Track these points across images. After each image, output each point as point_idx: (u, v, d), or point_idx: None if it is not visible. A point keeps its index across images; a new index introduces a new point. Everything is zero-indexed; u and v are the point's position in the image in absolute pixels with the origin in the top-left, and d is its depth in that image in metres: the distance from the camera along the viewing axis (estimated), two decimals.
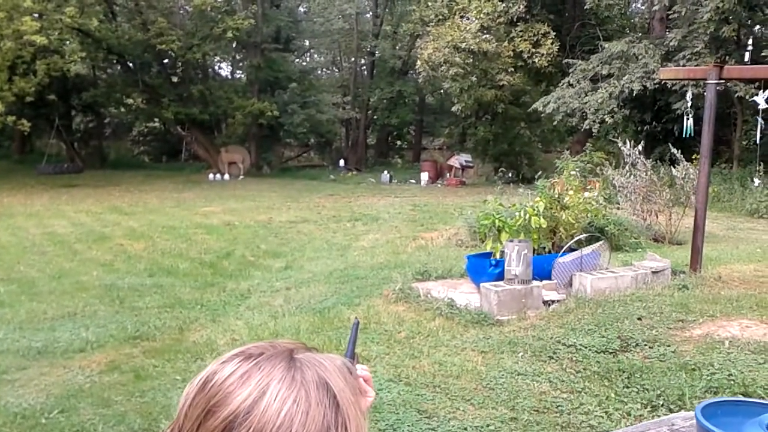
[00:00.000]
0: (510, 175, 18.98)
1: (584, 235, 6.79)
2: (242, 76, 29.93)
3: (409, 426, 3.90)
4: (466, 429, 3.84)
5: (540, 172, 9.53)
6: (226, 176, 22.14)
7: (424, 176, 21.51)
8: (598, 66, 17.96)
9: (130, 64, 24.90)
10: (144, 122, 28.90)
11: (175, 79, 26.17)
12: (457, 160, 21.92)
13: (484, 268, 6.30)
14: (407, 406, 4.18)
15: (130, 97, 23.24)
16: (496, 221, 6.59)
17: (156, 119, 27.71)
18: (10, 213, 13.56)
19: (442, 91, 25.86)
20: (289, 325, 5.97)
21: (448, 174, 21.83)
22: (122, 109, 26.74)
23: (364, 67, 30.09)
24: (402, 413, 4.08)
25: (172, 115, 23.68)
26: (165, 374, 4.86)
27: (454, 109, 21.13)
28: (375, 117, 29.26)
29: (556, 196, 7.11)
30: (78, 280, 7.95)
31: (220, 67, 33.20)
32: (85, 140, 28.36)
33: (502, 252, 6.21)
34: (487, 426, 3.87)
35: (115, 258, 9.29)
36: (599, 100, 17.13)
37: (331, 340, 5.48)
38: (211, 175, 22.13)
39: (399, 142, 32.67)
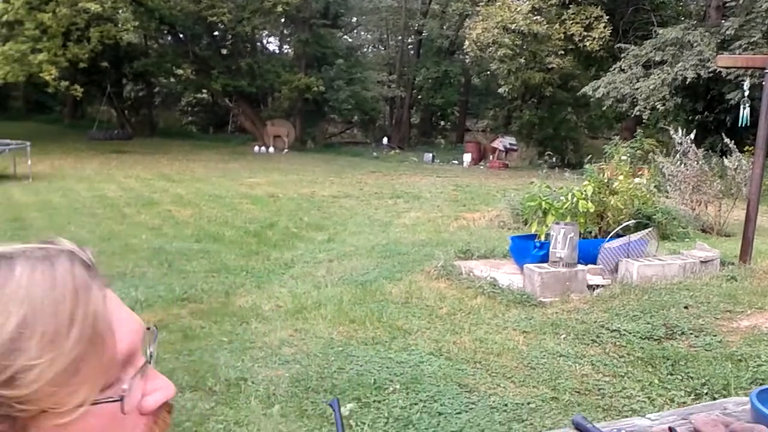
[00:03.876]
0: (554, 160, 18.74)
1: (632, 221, 6.70)
2: (290, 50, 30.04)
3: (449, 398, 3.95)
4: (506, 405, 3.87)
5: (590, 156, 9.40)
6: (271, 149, 22.35)
7: (467, 157, 21.39)
8: (651, 52, 17.53)
9: (181, 35, 25.21)
10: (193, 93, 29.29)
11: (224, 52, 26.41)
12: (501, 143, 21.73)
13: (528, 249, 6.28)
14: (448, 380, 4.22)
15: (180, 67, 23.55)
16: (543, 203, 6.54)
17: (204, 90, 28.04)
18: (62, 175, 13.95)
19: (488, 72, 25.60)
20: (331, 295, 6.05)
21: (491, 156, 21.67)
22: (172, 79, 27.13)
23: (411, 45, 29.90)
24: (443, 386, 4.13)
25: (221, 87, 23.94)
26: (212, 335, 4.98)
27: (500, 90, 20.91)
28: (419, 96, 29.12)
29: (606, 180, 7.02)
30: (127, 242, 8.16)
31: (268, 41, 33.38)
32: (135, 108, 28.90)
33: (547, 234, 6.18)
34: (528, 404, 3.89)
35: (163, 223, 9.50)
36: (651, 87, 16.74)
37: (372, 312, 5.54)
38: (256, 148, 22.37)
39: (443, 123, 32.48)
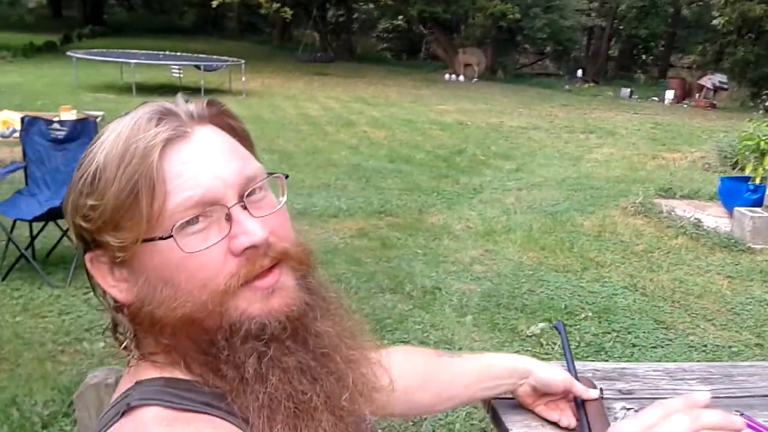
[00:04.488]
0: None
1: None
2: None
3: (644, 332, 3.91)
4: (705, 346, 3.76)
5: None
6: (461, 77, 22.27)
7: (669, 94, 19.85)
8: None
9: None
10: (390, 19, 29.67)
11: None
12: (709, 80, 19.89)
13: (740, 192, 5.85)
14: (642, 314, 4.16)
15: None
16: (762, 143, 6.01)
17: (401, 17, 28.29)
18: (271, 93, 15.01)
19: (701, 2, 23.28)
20: (521, 221, 6.10)
21: (697, 95, 19.94)
22: (371, 5, 27.64)
23: None
24: (637, 319, 4.08)
25: (417, 13, 24.02)
26: (407, 246, 5.28)
27: (714, 22, 19.03)
28: (620, 27, 27.21)
29: None
30: (329, 157, 8.71)
31: None
32: (336, 33, 29.92)
33: (763, 177, 5.72)
34: (729, 347, 3.75)
35: (359, 142, 9.98)
36: None
37: (563, 242, 5.53)
38: (446, 75, 22.41)
39: (644, 56, 30.20)
